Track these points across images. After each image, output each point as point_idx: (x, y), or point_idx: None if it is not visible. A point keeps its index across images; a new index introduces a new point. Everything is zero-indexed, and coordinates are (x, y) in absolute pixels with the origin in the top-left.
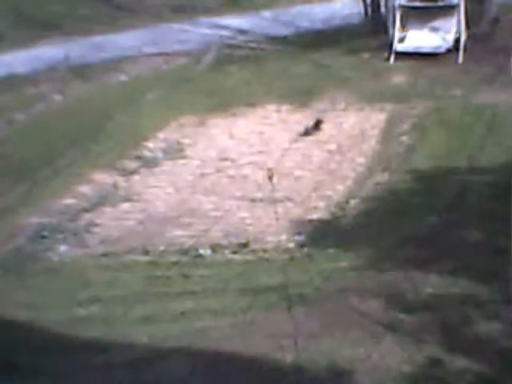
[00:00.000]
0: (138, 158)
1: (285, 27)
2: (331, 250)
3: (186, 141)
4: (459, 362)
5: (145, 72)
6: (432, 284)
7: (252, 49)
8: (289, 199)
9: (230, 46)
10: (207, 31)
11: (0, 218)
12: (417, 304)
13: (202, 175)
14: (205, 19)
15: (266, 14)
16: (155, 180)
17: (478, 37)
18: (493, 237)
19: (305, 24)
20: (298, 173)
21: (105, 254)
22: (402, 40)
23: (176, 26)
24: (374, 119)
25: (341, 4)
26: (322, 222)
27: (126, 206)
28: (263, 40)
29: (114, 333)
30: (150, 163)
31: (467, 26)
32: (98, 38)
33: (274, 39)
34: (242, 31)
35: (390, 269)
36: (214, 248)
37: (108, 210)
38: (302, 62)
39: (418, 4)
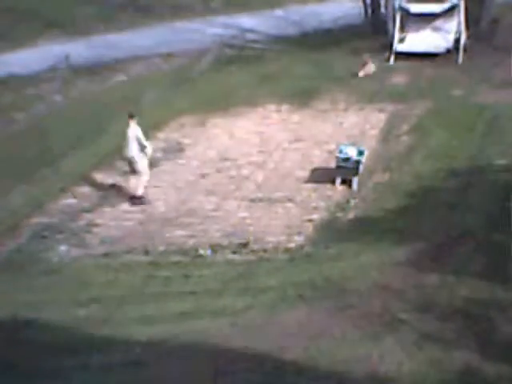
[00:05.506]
0: None
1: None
2: (331, 250)
3: (186, 141)
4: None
5: (145, 72)
6: (433, 284)
7: (254, 49)
8: (289, 199)
9: (233, 46)
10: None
11: (0, 218)
12: (417, 304)
13: (202, 175)
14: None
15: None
16: (155, 180)
17: (477, 37)
18: (496, 237)
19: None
20: (298, 173)
21: (105, 254)
22: (402, 40)
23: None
24: (374, 119)
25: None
26: (322, 222)
27: (126, 206)
28: (268, 40)
29: (114, 333)
30: (150, 163)
31: (467, 27)
32: (99, 38)
33: (278, 39)
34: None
35: (390, 268)
36: (214, 248)
37: (108, 210)
38: (302, 62)
39: (416, 11)
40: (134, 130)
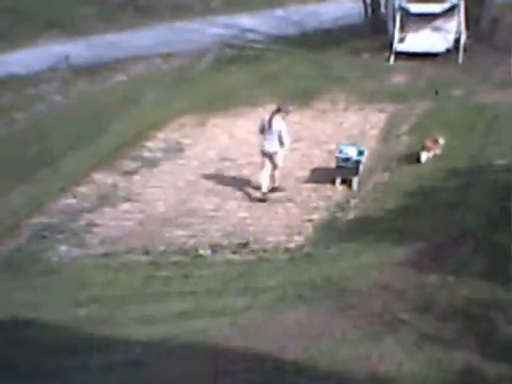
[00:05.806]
0: (138, 158)
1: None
2: (331, 250)
3: (186, 141)
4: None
5: (145, 72)
6: (433, 284)
7: (254, 49)
8: (289, 199)
9: (233, 46)
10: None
11: (0, 218)
12: (417, 304)
13: (202, 175)
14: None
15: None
16: (155, 180)
17: (477, 37)
18: (496, 237)
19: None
20: (298, 173)
21: (105, 254)
22: (402, 40)
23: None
24: (374, 119)
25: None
26: (322, 222)
27: (126, 206)
28: (268, 40)
29: (114, 333)
30: (150, 163)
31: (467, 27)
32: (99, 38)
33: (279, 39)
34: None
35: (390, 268)
36: (214, 248)
37: (108, 209)
38: (302, 62)
39: (416, 11)
40: (280, 124)
